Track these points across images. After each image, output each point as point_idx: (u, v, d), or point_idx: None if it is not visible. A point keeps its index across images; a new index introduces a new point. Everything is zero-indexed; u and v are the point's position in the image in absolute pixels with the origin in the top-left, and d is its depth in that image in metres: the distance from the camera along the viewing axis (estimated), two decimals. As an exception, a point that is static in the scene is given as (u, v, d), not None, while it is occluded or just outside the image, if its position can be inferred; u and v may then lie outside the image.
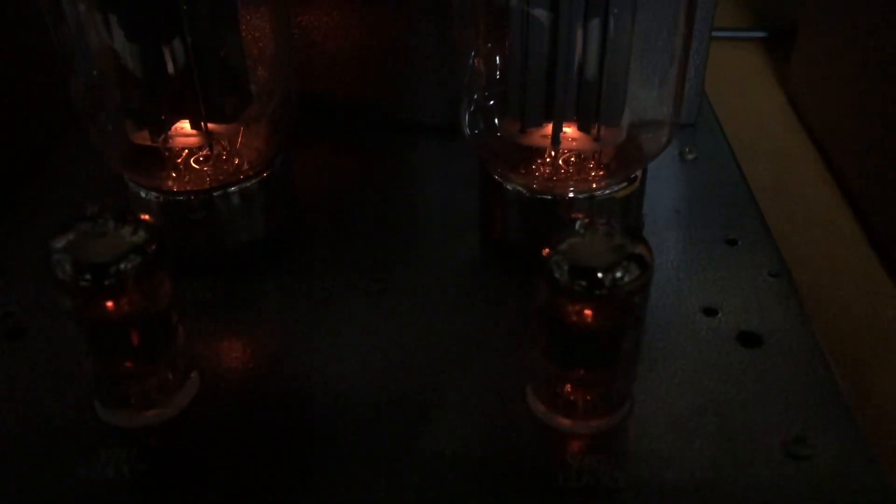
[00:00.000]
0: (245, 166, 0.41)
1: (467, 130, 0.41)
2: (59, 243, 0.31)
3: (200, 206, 0.40)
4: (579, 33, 0.35)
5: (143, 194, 0.40)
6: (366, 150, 0.52)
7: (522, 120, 0.38)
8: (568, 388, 0.33)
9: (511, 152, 0.39)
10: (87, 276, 0.30)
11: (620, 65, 0.37)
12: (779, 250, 0.42)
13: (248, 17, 0.40)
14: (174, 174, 0.40)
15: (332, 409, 0.35)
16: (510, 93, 0.38)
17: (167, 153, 0.40)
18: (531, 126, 0.38)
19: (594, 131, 0.38)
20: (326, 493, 0.32)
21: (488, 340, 0.38)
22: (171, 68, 0.37)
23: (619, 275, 0.30)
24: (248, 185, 0.41)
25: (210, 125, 0.39)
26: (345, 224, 0.45)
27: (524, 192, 0.40)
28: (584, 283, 0.30)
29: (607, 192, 0.39)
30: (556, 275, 0.30)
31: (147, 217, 0.32)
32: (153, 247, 0.31)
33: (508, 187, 0.40)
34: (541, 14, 0.35)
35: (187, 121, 0.39)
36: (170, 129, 0.39)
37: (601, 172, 0.39)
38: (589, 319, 0.31)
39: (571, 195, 0.39)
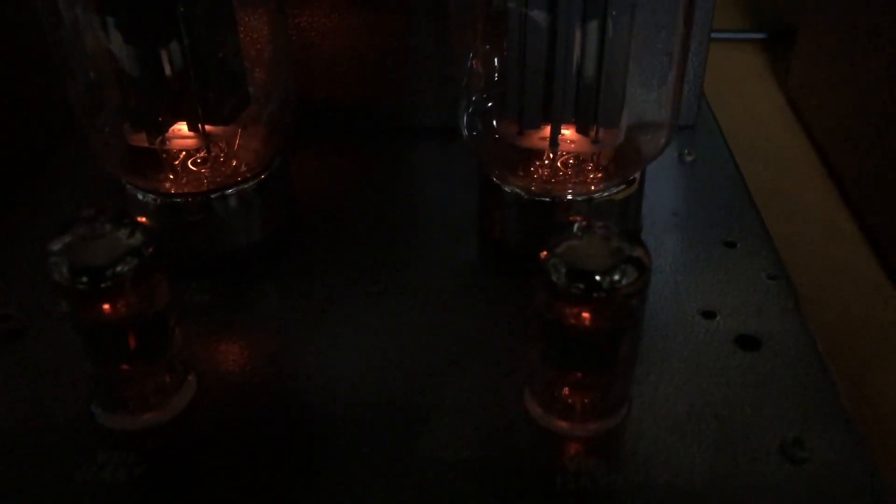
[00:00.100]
0: (243, 168, 0.41)
1: (465, 132, 0.41)
2: (56, 246, 0.31)
3: (198, 209, 0.40)
4: (577, 35, 0.35)
5: (140, 196, 0.40)
6: (365, 151, 0.52)
7: (520, 122, 0.38)
8: (566, 390, 0.33)
9: (509, 154, 0.39)
10: (84, 279, 0.30)
11: (619, 67, 0.36)
12: (777, 253, 0.42)
13: (246, 19, 0.40)
14: (172, 176, 0.40)
15: (331, 411, 0.35)
16: (508, 95, 0.38)
17: (165, 155, 0.40)
18: (529, 128, 0.38)
19: (592, 133, 0.38)
20: (324, 494, 0.32)
21: (487, 342, 0.38)
22: (168, 70, 0.37)
23: (616, 277, 0.30)
24: (245, 187, 0.41)
25: (207, 127, 0.39)
26: (343, 226, 0.45)
27: (522, 194, 0.40)
28: (581, 285, 0.30)
29: (605, 194, 0.39)
30: (554, 277, 0.30)
31: (144, 220, 0.32)
32: (150, 249, 0.31)
33: (507, 189, 0.40)
34: (539, 16, 0.35)
35: (185, 123, 0.39)
36: (167, 131, 0.39)
37: (599, 175, 0.39)
38: (586, 322, 0.31)
39: (570, 197, 0.39)
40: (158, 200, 0.40)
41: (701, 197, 0.47)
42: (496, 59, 0.39)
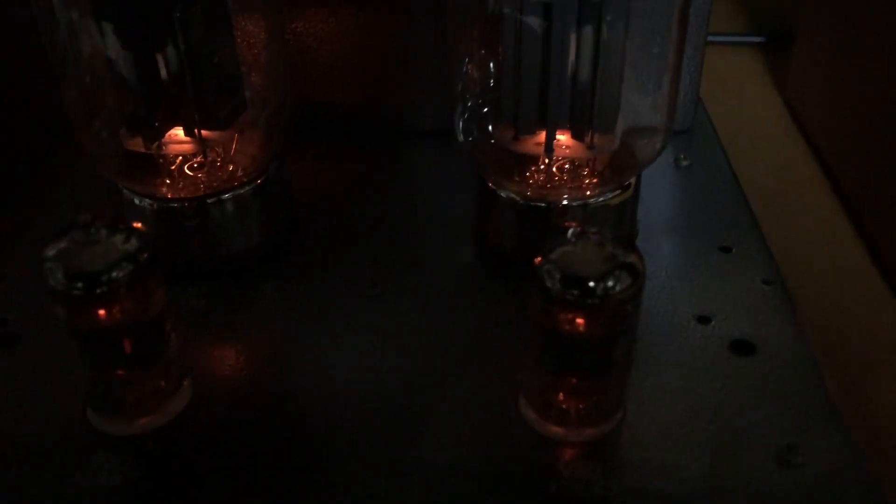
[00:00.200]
0: (239, 173, 0.41)
1: (461, 137, 0.41)
2: (52, 251, 0.31)
3: (195, 213, 0.40)
4: (572, 41, 0.36)
5: (137, 201, 0.40)
6: (362, 154, 0.52)
7: (516, 127, 0.38)
8: (561, 396, 0.33)
9: (505, 159, 0.40)
10: (80, 285, 0.30)
11: (613, 72, 0.37)
12: (773, 258, 0.42)
13: (242, 24, 0.40)
14: (168, 181, 0.40)
15: (326, 416, 0.35)
16: (504, 100, 0.38)
17: (161, 160, 0.40)
18: (525, 133, 0.38)
19: (588, 139, 0.38)
20: (320, 498, 0.32)
21: (483, 347, 0.38)
22: (164, 75, 0.37)
23: (610, 283, 0.30)
24: (242, 191, 0.41)
25: (204, 132, 0.40)
26: (341, 229, 0.45)
27: (518, 199, 0.40)
28: (575, 291, 0.30)
29: (601, 199, 0.39)
30: (548, 283, 0.30)
31: (139, 225, 0.32)
32: (145, 255, 0.31)
33: (502, 194, 0.40)
34: (534, 21, 0.35)
35: (181, 128, 0.39)
36: (164, 135, 0.39)
37: (595, 180, 0.39)
38: (581, 328, 0.31)
39: (565, 202, 0.39)
40: (155, 205, 0.40)
41: (697, 202, 0.47)
42: (492, 65, 0.39)
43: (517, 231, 0.41)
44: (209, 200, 0.40)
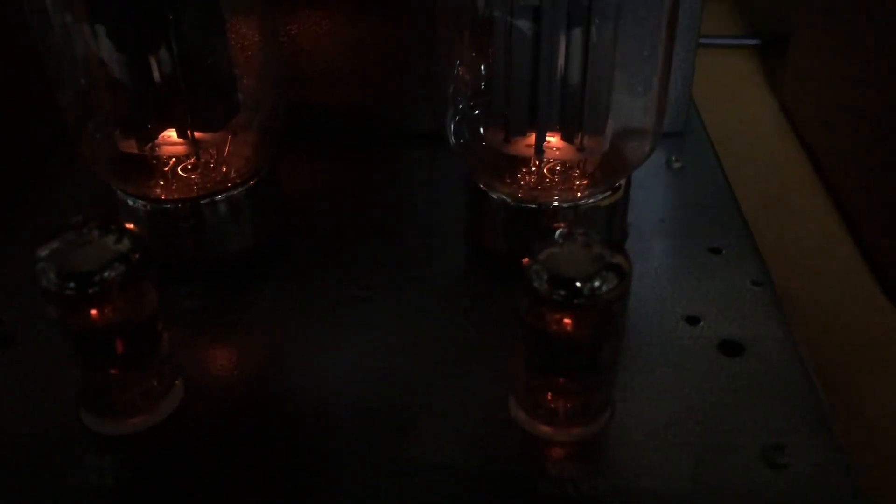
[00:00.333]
0: (232, 174, 0.41)
1: (452, 139, 0.41)
2: (44, 252, 0.31)
3: (188, 214, 0.40)
4: (562, 43, 0.36)
5: (130, 202, 0.41)
6: (355, 157, 0.52)
7: (506, 129, 0.39)
8: (549, 395, 0.33)
9: (496, 161, 0.40)
10: (72, 285, 0.30)
11: (603, 75, 0.37)
12: (762, 259, 0.43)
13: (235, 27, 0.40)
14: (162, 182, 0.40)
15: (318, 416, 0.35)
16: (494, 103, 0.38)
17: (154, 162, 0.40)
18: (515, 136, 0.39)
19: (578, 141, 0.38)
20: (311, 499, 0.32)
21: (473, 348, 0.38)
22: (158, 77, 0.38)
23: (597, 284, 0.30)
24: (235, 192, 0.41)
25: (197, 134, 0.40)
26: (332, 231, 0.46)
27: (509, 200, 0.40)
28: (563, 292, 0.30)
29: (591, 200, 0.40)
30: (536, 284, 0.30)
31: (132, 226, 0.33)
32: (137, 255, 0.32)
33: (493, 196, 0.40)
34: (524, 24, 0.36)
35: (174, 130, 0.40)
36: (157, 137, 0.40)
37: (585, 182, 0.40)
38: (569, 328, 0.31)
39: (556, 204, 0.39)
40: (148, 206, 0.40)
41: (688, 204, 0.47)
42: (482, 68, 0.40)
43: (508, 232, 0.41)
44: (202, 202, 0.40)
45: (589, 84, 0.37)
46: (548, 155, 0.39)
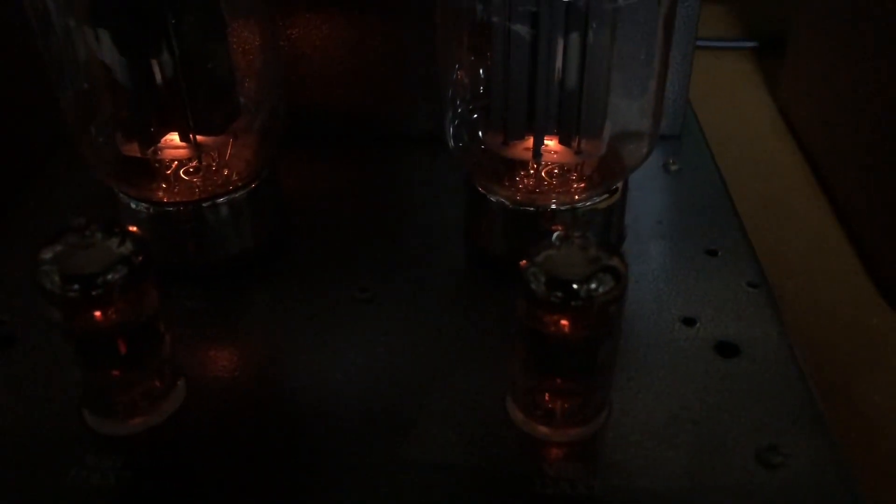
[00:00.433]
0: (234, 177, 0.41)
1: (451, 143, 0.42)
2: (47, 255, 0.31)
3: (189, 217, 0.41)
4: (559, 47, 0.36)
5: (133, 205, 0.41)
6: (355, 160, 0.52)
7: (505, 133, 0.39)
8: (546, 396, 0.34)
9: (494, 164, 0.40)
10: (75, 287, 0.31)
11: (600, 78, 0.37)
12: (758, 261, 0.43)
13: (237, 30, 0.41)
14: (164, 185, 0.41)
15: (318, 417, 0.35)
16: (492, 106, 0.39)
17: (156, 165, 0.41)
18: (513, 139, 0.39)
19: (575, 144, 0.39)
20: (310, 499, 0.32)
21: (472, 348, 0.38)
22: (159, 81, 0.38)
23: (594, 286, 0.30)
24: (237, 195, 0.41)
25: (199, 137, 0.40)
26: (333, 233, 0.46)
27: (507, 203, 0.40)
28: (560, 294, 0.30)
29: (589, 203, 0.40)
30: (533, 286, 0.31)
31: (134, 228, 0.33)
32: (140, 258, 0.32)
33: (492, 199, 0.41)
34: (522, 29, 0.36)
35: (176, 133, 0.40)
36: (159, 141, 0.40)
37: (583, 184, 0.40)
38: (565, 330, 0.31)
39: (554, 206, 0.40)
40: (150, 209, 0.41)
41: (685, 206, 0.47)
42: (481, 71, 0.40)
43: (507, 235, 0.42)
44: (204, 204, 0.41)
45: (586, 87, 0.37)
46: (546, 158, 0.39)
